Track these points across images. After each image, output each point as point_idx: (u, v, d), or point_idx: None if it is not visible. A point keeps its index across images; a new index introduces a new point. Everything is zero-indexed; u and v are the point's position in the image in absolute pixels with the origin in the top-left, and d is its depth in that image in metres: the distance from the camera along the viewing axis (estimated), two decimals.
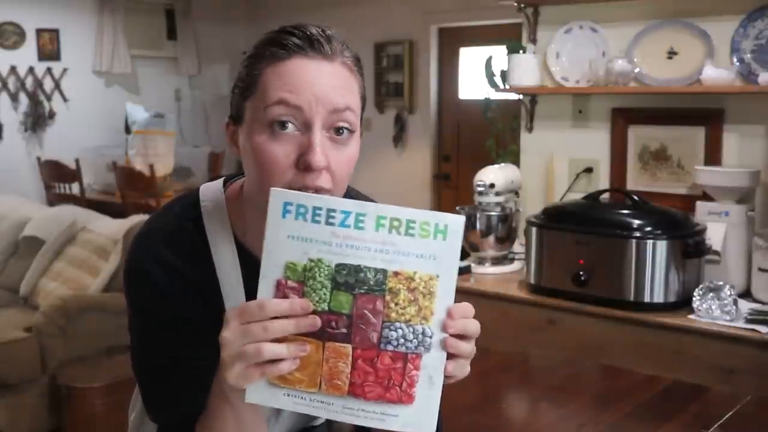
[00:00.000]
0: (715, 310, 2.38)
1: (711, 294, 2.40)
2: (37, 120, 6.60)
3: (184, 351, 1.13)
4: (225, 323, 0.94)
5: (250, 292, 1.16)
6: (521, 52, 3.12)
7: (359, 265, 0.90)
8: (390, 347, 0.91)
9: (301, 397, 0.92)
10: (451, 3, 6.11)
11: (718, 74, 2.68)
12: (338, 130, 1.05)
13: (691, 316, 2.42)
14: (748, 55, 2.72)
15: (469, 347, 0.95)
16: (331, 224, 0.90)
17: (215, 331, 1.17)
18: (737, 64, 2.72)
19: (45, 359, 3.49)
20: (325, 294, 0.90)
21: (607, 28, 3.03)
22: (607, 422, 1.60)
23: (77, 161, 6.02)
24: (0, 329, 3.55)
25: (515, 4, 3.16)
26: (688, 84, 2.83)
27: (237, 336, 0.92)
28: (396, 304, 0.90)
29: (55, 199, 6.05)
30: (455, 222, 0.91)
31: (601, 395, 1.81)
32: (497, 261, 3.10)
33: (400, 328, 0.91)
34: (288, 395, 0.92)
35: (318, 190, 1.03)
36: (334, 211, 0.90)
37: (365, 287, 0.90)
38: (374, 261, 0.90)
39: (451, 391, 0.97)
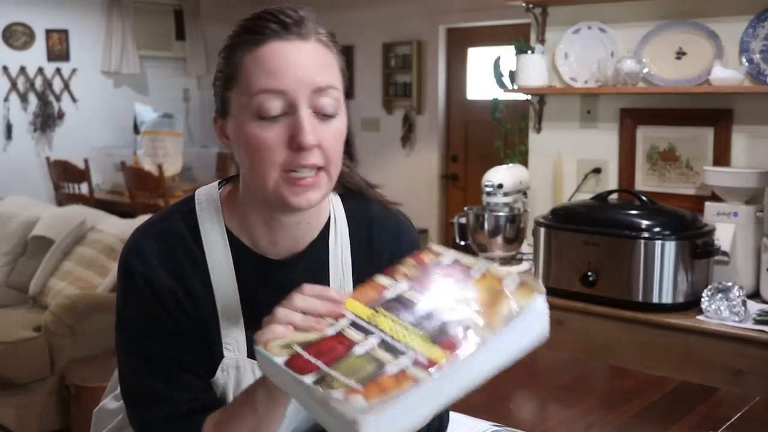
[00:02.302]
0: (723, 311, 2.38)
1: (719, 295, 2.40)
2: (47, 120, 6.62)
3: (165, 348, 1.14)
4: None
5: (242, 284, 1.18)
6: (529, 52, 3.12)
7: None
8: None
9: None
10: (459, 3, 6.11)
11: (726, 74, 2.67)
12: (324, 110, 1.08)
13: (700, 317, 2.42)
14: (757, 56, 2.71)
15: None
16: None
17: (204, 322, 1.18)
18: (746, 64, 2.71)
19: (54, 358, 3.51)
20: None
21: (616, 28, 3.03)
22: (615, 423, 1.59)
23: (86, 161, 6.04)
24: (9, 329, 3.57)
25: (523, 4, 3.16)
26: (696, 84, 2.82)
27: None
28: None
29: (64, 199, 6.07)
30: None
31: (609, 396, 1.81)
32: (505, 261, 3.10)
33: None
34: None
35: (312, 168, 1.07)
36: None
37: None
38: None
39: None
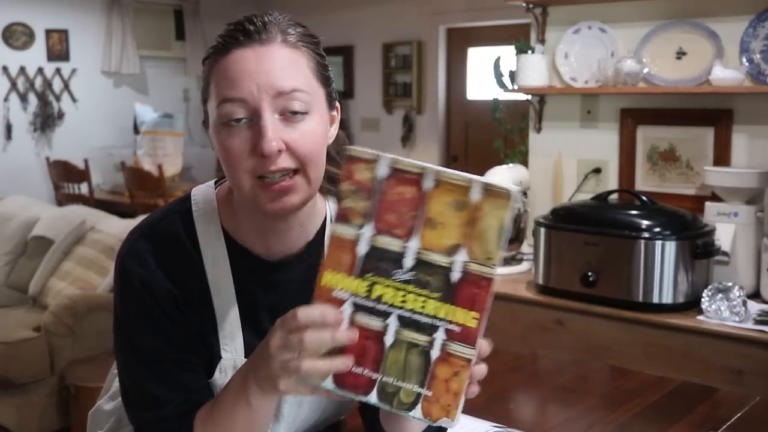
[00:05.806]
0: (724, 311, 2.37)
1: (720, 295, 2.40)
2: (46, 120, 6.63)
3: (164, 348, 1.14)
4: (271, 333, 0.96)
5: (239, 285, 1.18)
6: (530, 52, 3.12)
7: None
8: None
9: None
10: (459, 3, 6.11)
11: (727, 74, 2.67)
12: (292, 111, 1.07)
13: (700, 317, 2.42)
14: (758, 56, 2.71)
15: None
16: None
17: (201, 323, 1.18)
18: (746, 64, 2.71)
19: (53, 359, 3.51)
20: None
21: (616, 28, 3.03)
22: (615, 423, 1.59)
23: (86, 161, 6.04)
24: (9, 329, 3.57)
25: (523, 4, 3.15)
26: (697, 84, 2.82)
27: (278, 349, 0.93)
28: None
29: (64, 199, 6.07)
30: None
31: (609, 396, 1.80)
32: (505, 262, 3.09)
33: None
34: None
35: (283, 171, 1.06)
36: None
37: None
38: None
39: None
